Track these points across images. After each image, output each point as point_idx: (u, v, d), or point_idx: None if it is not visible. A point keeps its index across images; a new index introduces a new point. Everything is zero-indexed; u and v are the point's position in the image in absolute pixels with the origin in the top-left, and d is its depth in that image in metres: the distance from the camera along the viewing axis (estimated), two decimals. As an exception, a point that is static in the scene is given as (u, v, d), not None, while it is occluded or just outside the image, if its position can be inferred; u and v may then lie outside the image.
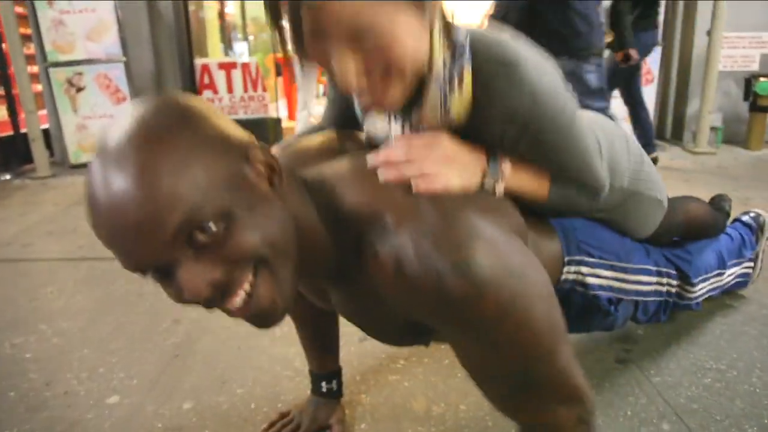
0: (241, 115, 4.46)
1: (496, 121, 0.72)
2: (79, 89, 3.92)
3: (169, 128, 0.54)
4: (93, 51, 3.83)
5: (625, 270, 1.07)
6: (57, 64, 3.86)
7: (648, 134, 3.22)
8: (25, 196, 3.30)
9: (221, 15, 6.29)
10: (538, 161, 0.79)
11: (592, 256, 1.00)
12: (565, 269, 0.98)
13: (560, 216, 1.00)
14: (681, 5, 3.78)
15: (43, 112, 4.09)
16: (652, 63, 3.70)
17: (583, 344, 1.46)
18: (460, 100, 0.71)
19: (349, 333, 1.26)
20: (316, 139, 0.86)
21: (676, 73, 3.91)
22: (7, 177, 3.79)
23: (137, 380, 1.36)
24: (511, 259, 0.63)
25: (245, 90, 4.47)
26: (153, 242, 0.53)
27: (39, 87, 4.04)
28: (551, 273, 0.94)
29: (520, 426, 0.73)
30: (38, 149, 3.79)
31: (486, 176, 0.74)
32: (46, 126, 4.11)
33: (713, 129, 3.61)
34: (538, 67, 0.71)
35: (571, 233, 1.00)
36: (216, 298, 0.58)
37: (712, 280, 1.42)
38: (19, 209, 3.01)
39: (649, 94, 3.77)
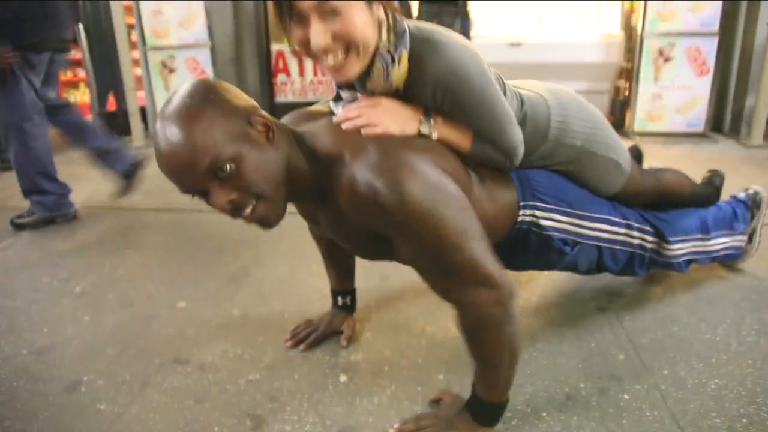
0: (310, 97, 4.84)
1: (427, 87, 0.99)
2: (171, 71, 4.46)
3: (200, 103, 0.86)
4: (184, 37, 4.35)
5: (580, 216, 1.29)
6: (154, 48, 4.42)
7: None
8: (123, 162, 3.86)
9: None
10: (460, 121, 1.05)
11: (546, 202, 1.24)
12: (521, 212, 1.22)
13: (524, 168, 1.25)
14: (747, -4, 3.71)
15: (141, 94, 4.67)
16: (707, 54, 3.67)
17: (570, 292, 1.66)
18: (399, 73, 0.99)
19: (372, 273, 1.54)
20: (314, 108, 1.18)
21: (737, 66, 3.83)
22: (109, 146, 4.40)
23: (201, 293, 1.73)
24: (429, 181, 0.90)
25: (315, 75, 4.85)
26: (193, 176, 0.85)
27: (138, 71, 4.63)
28: (507, 214, 1.20)
29: (454, 307, 0.98)
30: (135, 123, 4.37)
31: (422, 125, 1.02)
32: (143, 105, 4.70)
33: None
34: (457, 48, 0.98)
35: (527, 182, 1.24)
36: (234, 210, 0.90)
37: (693, 243, 1.58)
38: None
39: (704, 84, 3.74)
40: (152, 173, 3.49)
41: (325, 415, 1.15)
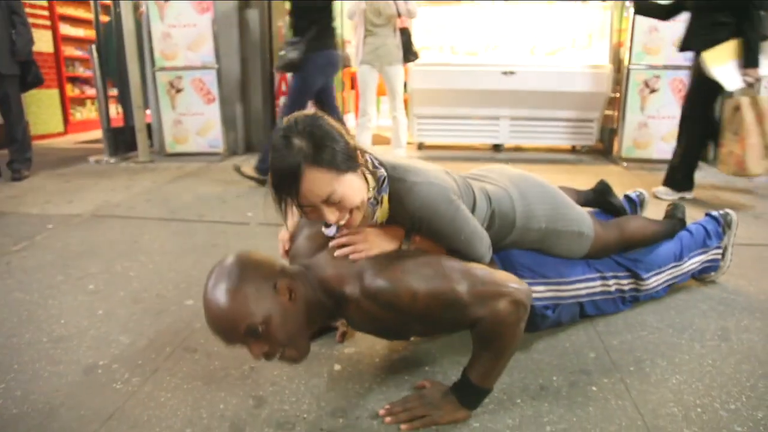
0: (311, 120, 5.02)
1: (405, 219, 1.19)
2: (178, 90, 4.65)
3: (237, 282, 1.04)
4: (191, 59, 4.55)
5: (558, 283, 1.51)
6: (162, 69, 4.61)
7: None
8: (129, 175, 4.01)
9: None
10: (435, 240, 1.22)
11: (525, 277, 1.44)
12: None
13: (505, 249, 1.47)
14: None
15: (148, 112, 4.85)
16: (691, 86, 3.88)
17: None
18: (381, 212, 1.18)
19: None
20: (313, 233, 1.32)
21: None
22: (113, 161, 4.55)
23: (207, 293, 1.85)
24: (409, 275, 1.09)
25: (314, 98, 5.04)
26: (234, 337, 1.04)
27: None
28: None
29: (479, 320, 1.11)
30: (142, 139, 4.53)
31: (402, 245, 1.20)
32: (149, 122, 4.87)
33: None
34: (426, 186, 1.16)
35: (508, 262, 1.46)
36: (267, 357, 1.08)
37: (669, 272, 1.76)
38: (124, 183, 3.69)
39: (688, 115, 3.93)
40: (152, 185, 3.64)
41: (320, 397, 1.26)
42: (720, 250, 1.87)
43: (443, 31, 4.85)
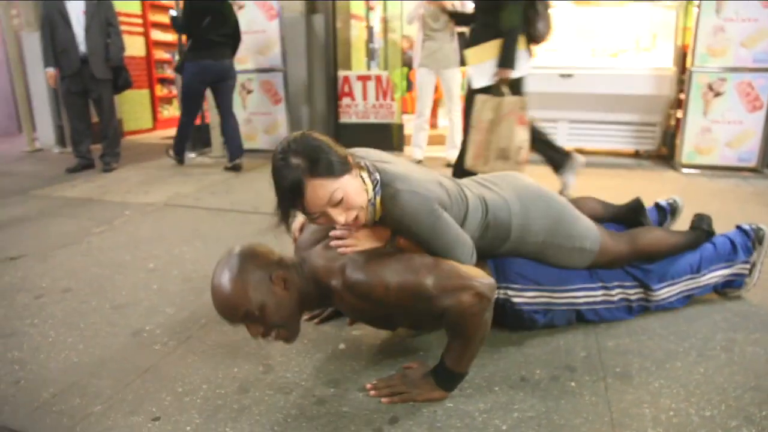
0: (372, 119, 5.23)
1: (392, 223, 1.31)
2: (249, 91, 5.02)
3: (239, 272, 1.21)
4: (261, 62, 4.91)
5: (551, 290, 1.58)
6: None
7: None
8: (202, 169, 4.41)
9: (368, 33, 7.22)
10: (418, 244, 1.33)
11: (516, 283, 1.54)
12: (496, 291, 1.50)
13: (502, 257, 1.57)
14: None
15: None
16: (760, 89, 3.65)
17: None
18: (375, 212, 1.30)
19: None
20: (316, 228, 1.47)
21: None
22: (193, 155, 5.00)
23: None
24: (385, 276, 1.21)
25: (377, 98, 5.24)
26: (234, 319, 1.23)
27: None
28: None
29: (446, 309, 1.22)
30: (215, 136, 4.95)
31: (388, 245, 1.32)
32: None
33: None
34: (409, 196, 1.26)
35: (502, 268, 1.55)
36: (263, 335, 1.25)
37: (684, 284, 1.76)
38: (196, 177, 4.08)
39: (757, 120, 3.72)
40: (220, 179, 3.99)
41: (320, 369, 1.44)
42: (747, 266, 1.81)
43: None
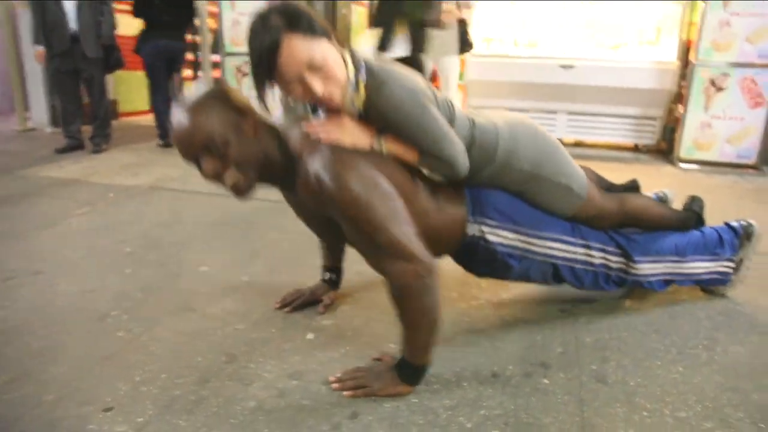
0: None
1: (377, 114, 1.24)
2: (245, 75, 4.95)
3: (209, 99, 1.16)
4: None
5: (528, 234, 1.48)
6: (231, 54, 4.93)
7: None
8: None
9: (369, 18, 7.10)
10: (405, 140, 1.28)
11: (493, 219, 1.44)
12: (469, 226, 1.43)
13: (482, 186, 1.47)
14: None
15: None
16: (763, 85, 3.56)
17: (541, 295, 1.81)
18: (359, 98, 1.24)
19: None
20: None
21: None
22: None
23: (222, 261, 2.05)
24: (363, 178, 1.15)
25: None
26: (191, 149, 1.15)
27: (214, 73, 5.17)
28: (456, 226, 1.44)
29: (384, 277, 1.19)
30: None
31: (374, 142, 1.26)
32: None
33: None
34: (396, 87, 1.21)
35: (478, 200, 1.46)
36: (216, 176, 1.19)
37: (667, 265, 1.68)
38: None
39: (758, 116, 3.63)
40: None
41: (285, 361, 1.39)
42: (732, 264, 1.74)
43: (507, 23, 4.77)
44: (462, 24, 4.29)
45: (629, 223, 1.63)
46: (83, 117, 4.33)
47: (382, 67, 1.25)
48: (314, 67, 1.15)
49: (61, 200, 2.90)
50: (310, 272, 1.86)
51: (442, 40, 4.25)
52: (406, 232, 1.16)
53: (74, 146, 4.21)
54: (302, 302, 1.66)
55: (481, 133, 1.41)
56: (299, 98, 1.22)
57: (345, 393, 1.24)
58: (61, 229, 2.42)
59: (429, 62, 4.34)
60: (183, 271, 1.96)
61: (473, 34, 4.49)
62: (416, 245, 1.16)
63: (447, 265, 1.89)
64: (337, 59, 1.19)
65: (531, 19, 4.68)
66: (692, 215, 1.76)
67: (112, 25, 4.08)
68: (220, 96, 1.18)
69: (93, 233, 2.37)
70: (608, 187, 1.87)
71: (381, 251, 1.16)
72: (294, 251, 2.15)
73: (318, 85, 1.16)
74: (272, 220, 2.55)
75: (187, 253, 2.13)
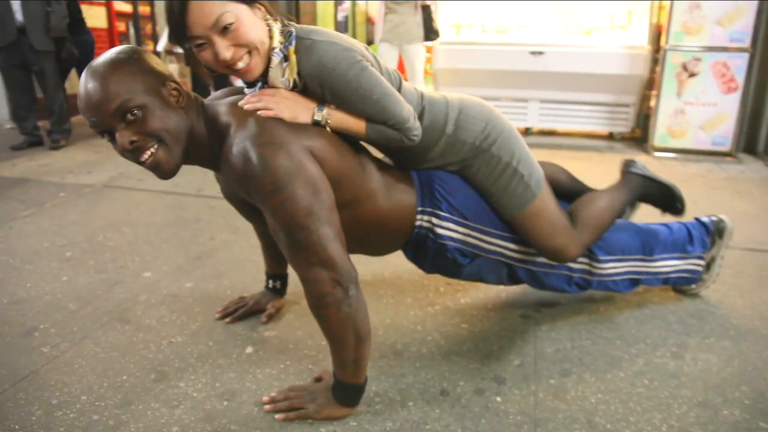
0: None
1: (310, 81, 1.12)
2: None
3: (124, 57, 1.02)
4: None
5: (479, 230, 1.36)
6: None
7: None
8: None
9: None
10: (348, 108, 1.15)
11: (442, 210, 1.31)
12: (419, 217, 1.31)
13: (432, 169, 1.34)
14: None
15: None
16: (736, 70, 3.50)
17: (503, 300, 1.71)
18: (290, 68, 1.11)
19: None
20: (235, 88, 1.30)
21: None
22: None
23: (167, 266, 1.92)
24: (291, 160, 1.02)
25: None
26: (103, 116, 1.00)
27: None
28: (404, 215, 1.30)
29: (301, 280, 1.07)
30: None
31: (315, 114, 1.13)
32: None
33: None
34: (327, 45, 1.09)
35: (429, 186, 1.32)
36: (134, 152, 1.04)
37: (632, 264, 1.58)
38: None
39: (732, 102, 3.57)
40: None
41: (219, 378, 1.29)
42: (703, 261, 1.66)
43: (475, 8, 4.65)
44: (426, 10, 4.18)
45: (596, 237, 1.49)
46: (38, 112, 4.13)
47: (311, 29, 1.14)
48: (223, 30, 1.03)
49: (8, 201, 2.74)
50: (259, 276, 1.75)
51: (406, 27, 4.13)
52: (327, 234, 1.04)
53: (32, 143, 4.01)
54: (245, 312, 1.55)
55: (431, 104, 1.30)
56: (212, 65, 1.09)
57: (277, 416, 1.14)
58: (2, 233, 2.27)
59: (395, 50, 4.22)
60: (124, 277, 1.84)
61: (439, 21, 4.38)
62: (336, 250, 1.05)
63: (403, 265, 1.80)
64: (254, 24, 1.06)
65: (499, 5, 4.56)
66: (635, 178, 1.62)
67: (63, 16, 3.86)
68: (134, 57, 1.04)
69: (35, 237, 2.22)
70: (579, 192, 1.72)
71: (300, 252, 1.04)
72: (243, 253, 2.03)
73: (226, 52, 1.04)
74: (226, 219, 2.43)
75: (131, 258, 2.00)
